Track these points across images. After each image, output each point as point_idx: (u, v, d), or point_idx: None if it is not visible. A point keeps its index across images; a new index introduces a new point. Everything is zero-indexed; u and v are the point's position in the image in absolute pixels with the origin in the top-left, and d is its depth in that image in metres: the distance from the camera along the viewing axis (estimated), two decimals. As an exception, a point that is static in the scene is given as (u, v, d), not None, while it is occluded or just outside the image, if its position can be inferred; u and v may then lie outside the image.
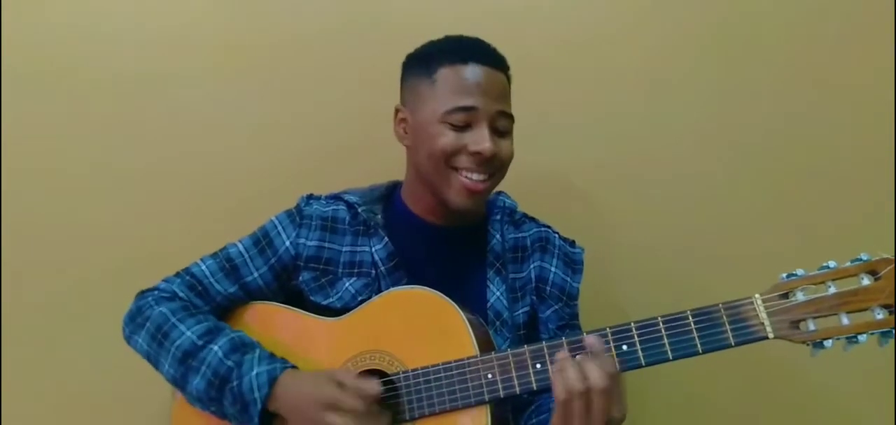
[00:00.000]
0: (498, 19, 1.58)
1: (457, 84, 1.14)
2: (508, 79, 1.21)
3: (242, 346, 1.10)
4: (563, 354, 0.98)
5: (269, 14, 1.61)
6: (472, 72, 1.14)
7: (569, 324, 1.24)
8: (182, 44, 1.60)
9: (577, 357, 0.96)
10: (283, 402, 1.05)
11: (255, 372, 1.05)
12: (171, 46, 1.60)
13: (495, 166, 1.16)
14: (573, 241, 1.29)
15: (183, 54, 1.60)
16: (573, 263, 1.26)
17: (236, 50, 1.60)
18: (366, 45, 1.59)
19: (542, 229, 1.28)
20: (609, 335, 1.00)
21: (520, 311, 1.21)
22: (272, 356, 1.09)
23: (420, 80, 1.18)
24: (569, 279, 1.25)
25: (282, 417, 1.07)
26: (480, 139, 1.12)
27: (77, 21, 1.58)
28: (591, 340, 0.98)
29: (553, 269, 1.24)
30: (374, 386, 1.02)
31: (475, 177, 1.14)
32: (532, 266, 1.24)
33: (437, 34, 1.23)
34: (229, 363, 1.07)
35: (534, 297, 1.23)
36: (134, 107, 1.58)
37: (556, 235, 1.28)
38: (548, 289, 1.23)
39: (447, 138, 1.13)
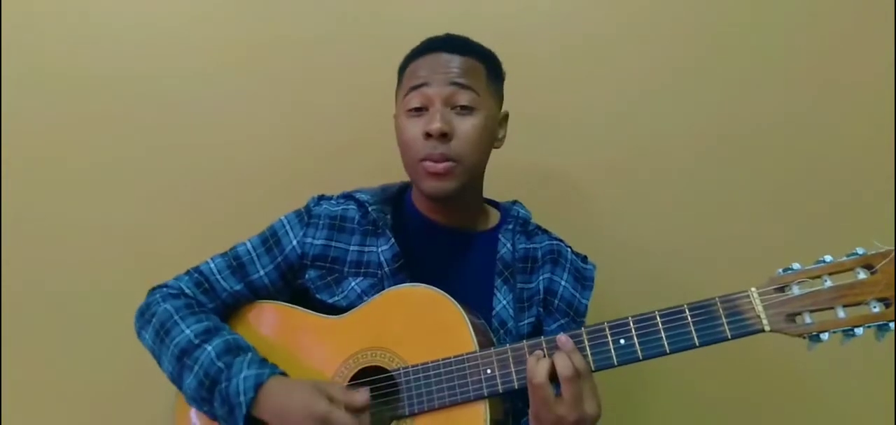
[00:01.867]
0: (497, 20, 1.58)
1: (411, 73, 1.19)
2: (482, 61, 1.20)
3: (236, 349, 1.11)
4: (538, 352, 1.01)
5: (269, 14, 1.62)
6: (427, 58, 1.18)
7: None
8: (182, 44, 1.61)
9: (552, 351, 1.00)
10: (269, 409, 1.04)
11: (242, 376, 1.05)
12: (171, 46, 1.61)
13: (456, 149, 1.14)
14: (585, 257, 1.27)
15: (183, 54, 1.61)
16: (584, 279, 1.24)
17: (236, 50, 1.61)
18: (367, 44, 1.60)
19: (555, 242, 1.26)
20: (606, 329, 1.00)
21: (525, 322, 1.20)
22: (263, 361, 1.09)
23: (397, 87, 1.23)
24: (578, 294, 1.23)
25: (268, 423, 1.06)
26: (430, 119, 1.14)
27: (77, 21, 1.59)
28: (562, 339, 1.00)
29: (563, 283, 1.23)
30: (362, 396, 1.02)
31: (434, 159, 1.14)
32: (542, 278, 1.23)
33: (438, 33, 1.24)
34: (220, 364, 1.08)
35: (540, 309, 1.21)
36: (134, 107, 1.59)
37: (569, 249, 1.26)
38: (556, 302, 1.22)
39: (406, 129, 1.16)
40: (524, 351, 1.02)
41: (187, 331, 1.12)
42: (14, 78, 1.57)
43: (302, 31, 1.61)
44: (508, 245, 1.23)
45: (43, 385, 1.54)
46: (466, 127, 1.15)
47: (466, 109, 1.16)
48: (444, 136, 1.13)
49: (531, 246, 1.24)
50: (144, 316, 1.18)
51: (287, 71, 1.61)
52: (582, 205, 1.60)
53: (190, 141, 1.60)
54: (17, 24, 1.58)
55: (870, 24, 1.58)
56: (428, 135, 1.13)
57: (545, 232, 1.29)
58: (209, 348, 1.09)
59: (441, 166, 1.13)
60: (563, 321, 1.21)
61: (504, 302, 1.19)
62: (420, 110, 1.15)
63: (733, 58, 1.59)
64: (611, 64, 1.61)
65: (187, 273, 1.22)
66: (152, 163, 1.59)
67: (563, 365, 0.96)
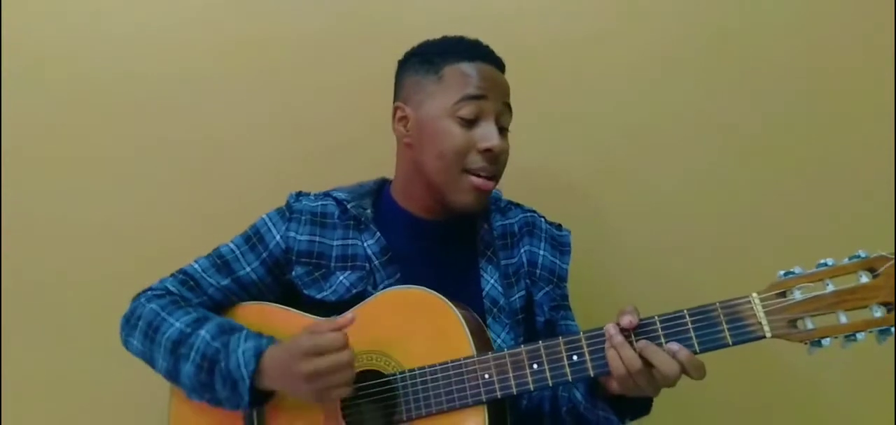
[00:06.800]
0: (495, 19, 1.57)
1: (465, 78, 1.16)
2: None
3: (230, 329, 1.11)
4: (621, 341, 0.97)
5: (269, 14, 1.61)
6: (479, 67, 1.17)
7: (560, 306, 1.25)
8: (182, 44, 1.60)
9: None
10: (271, 373, 1.04)
11: (241, 350, 1.05)
12: (171, 46, 1.60)
13: (501, 163, 1.18)
14: (559, 225, 1.30)
15: (183, 54, 1.60)
16: (561, 245, 1.27)
17: (236, 50, 1.60)
18: (364, 44, 1.59)
19: (528, 214, 1.29)
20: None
21: (516, 296, 1.22)
22: (259, 334, 1.09)
23: (425, 77, 1.19)
24: (558, 261, 1.26)
25: (275, 393, 1.07)
26: (490, 135, 1.14)
27: (77, 21, 1.59)
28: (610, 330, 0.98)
29: (542, 253, 1.25)
30: (347, 318, 1.03)
31: (484, 175, 1.15)
32: (522, 250, 1.25)
33: (435, 34, 1.24)
34: (216, 344, 1.07)
35: (528, 281, 1.24)
36: (134, 107, 1.59)
37: (542, 219, 1.29)
38: (538, 271, 1.24)
39: (457, 137, 1.14)
40: (522, 357, 1.01)
41: (177, 324, 1.11)
42: (14, 78, 1.57)
43: (300, 31, 1.60)
44: (485, 225, 1.25)
45: (42, 384, 1.54)
46: (506, 146, 1.19)
47: (504, 130, 1.19)
48: (500, 155, 1.16)
49: (507, 221, 1.27)
50: (130, 322, 1.17)
51: (286, 71, 1.60)
52: (580, 203, 1.59)
53: (187, 141, 1.59)
54: (17, 24, 1.57)
55: (871, 24, 1.57)
56: (486, 151, 1.13)
57: (517, 205, 1.31)
58: (202, 332, 1.09)
59: (492, 183, 1.17)
60: (547, 288, 1.24)
61: (492, 281, 1.21)
62: (472, 122, 1.15)
63: (734, 57, 1.59)
64: (612, 63, 1.60)
65: (172, 275, 1.22)
66: (150, 162, 1.58)
67: (669, 366, 0.95)
